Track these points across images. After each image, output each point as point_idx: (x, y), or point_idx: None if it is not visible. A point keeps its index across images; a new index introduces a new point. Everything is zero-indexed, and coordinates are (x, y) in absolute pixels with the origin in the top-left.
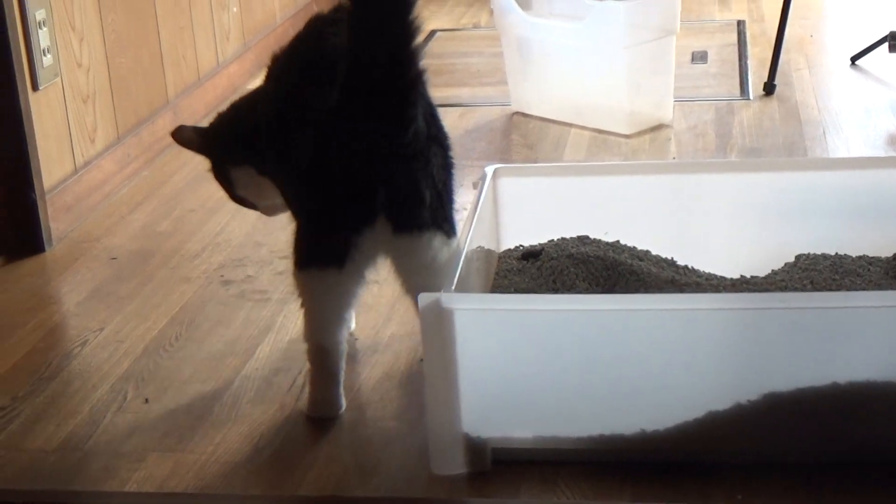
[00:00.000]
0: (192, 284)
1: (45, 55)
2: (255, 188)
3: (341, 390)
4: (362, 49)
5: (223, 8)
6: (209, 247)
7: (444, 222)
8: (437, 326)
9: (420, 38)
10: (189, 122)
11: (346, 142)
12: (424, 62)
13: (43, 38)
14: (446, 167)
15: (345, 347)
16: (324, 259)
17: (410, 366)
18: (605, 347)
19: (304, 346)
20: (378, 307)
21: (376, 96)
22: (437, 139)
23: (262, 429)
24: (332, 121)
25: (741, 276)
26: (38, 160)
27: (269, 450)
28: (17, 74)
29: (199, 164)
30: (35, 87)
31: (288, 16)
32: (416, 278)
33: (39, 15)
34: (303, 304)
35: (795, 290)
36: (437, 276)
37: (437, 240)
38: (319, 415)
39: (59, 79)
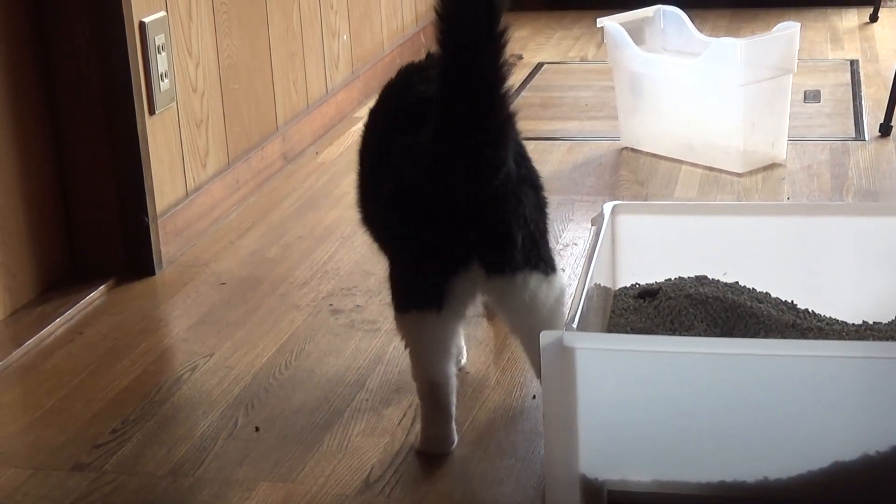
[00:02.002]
0: (301, 312)
1: (162, 80)
2: None
3: (453, 426)
4: (452, 94)
5: (334, 36)
6: (318, 275)
7: (539, 261)
8: (557, 365)
9: (509, 82)
10: (296, 150)
11: (437, 186)
12: (516, 105)
13: (161, 62)
14: (539, 207)
15: (455, 382)
16: (421, 302)
17: (522, 402)
18: (730, 392)
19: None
20: (488, 342)
21: (467, 140)
22: (528, 180)
23: (372, 461)
24: (422, 165)
25: (864, 321)
26: (151, 184)
27: (380, 484)
28: (136, 98)
29: (306, 191)
30: (152, 111)
31: (396, 45)
32: (518, 318)
33: (159, 40)
34: (406, 346)
35: None
36: (540, 315)
37: (534, 279)
38: (431, 451)
39: (174, 103)
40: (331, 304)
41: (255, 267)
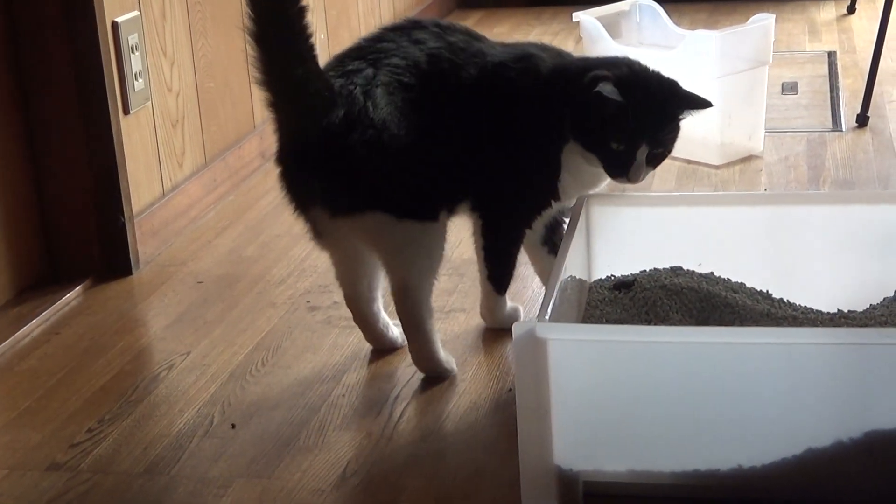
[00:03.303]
0: (279, 310)
1: (136, 79)
2: None
3: (382, 330)
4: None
5: None
6: (295, 272)
7: (392, 206)
8: (530, 356)
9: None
10: (273, 149)
11: (287, 141)
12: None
13: (135, 62)
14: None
15: (368, 298)
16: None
17: (498, 395)
18: (703, 381)
19: (392, 372)
20: (465, 337)
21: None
22: (371, 143)
23: (349, 456)
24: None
25: (839, 310)
26: (127, 184)
27: (356, 478)
28: (110, 98)
29: None
30: (126, 111)
31: None
32: (374, 254)
33: (132, 39)
34: None
35: None
36: (392, 259)
37: (374, 220)
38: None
39: (149, 103)
40: (308, 301)
41: (233, 265)
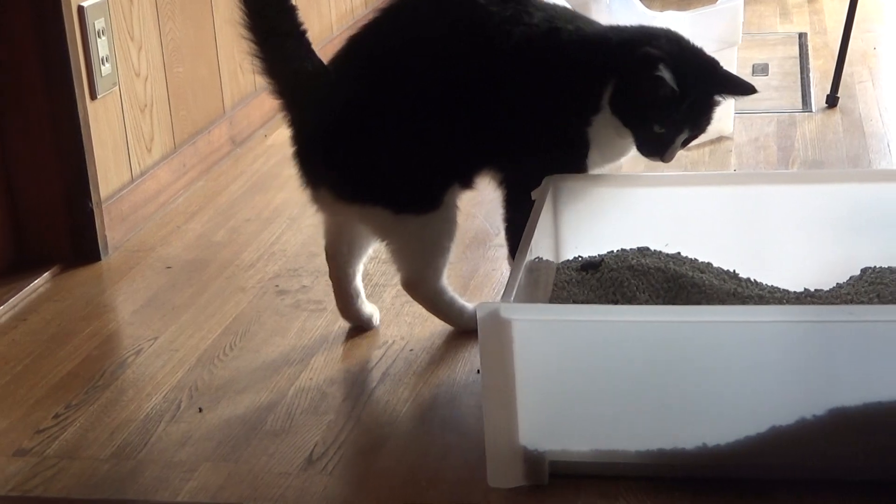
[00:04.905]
0: (247, 294)
1: (103, 64)
2: None
3: (354, 296)
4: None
5: None
6: (264, 257)
7: (390, 200)
8: (495, 337)
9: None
10: (245, 134)
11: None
12: None
13: (102, 47)
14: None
15: (347, 267)
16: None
17: (467, 377)
18: (667, 360)
19: (360, 355)
20: (432, 318)
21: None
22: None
23: (315, 439)
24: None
25: (805, 289)
26: (94, 169)
27: (322, 461)
28: (76, 83)
29: (254, 174)
30: (93, 97)
31: (345, 27)
32: (375, 239)
33: (98, 24)
34: None
35: (862, 303)
36: (395, 254)
37: (374, 213)
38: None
39: (116, 88)
40: (277, 286)
41: (202, 250)
